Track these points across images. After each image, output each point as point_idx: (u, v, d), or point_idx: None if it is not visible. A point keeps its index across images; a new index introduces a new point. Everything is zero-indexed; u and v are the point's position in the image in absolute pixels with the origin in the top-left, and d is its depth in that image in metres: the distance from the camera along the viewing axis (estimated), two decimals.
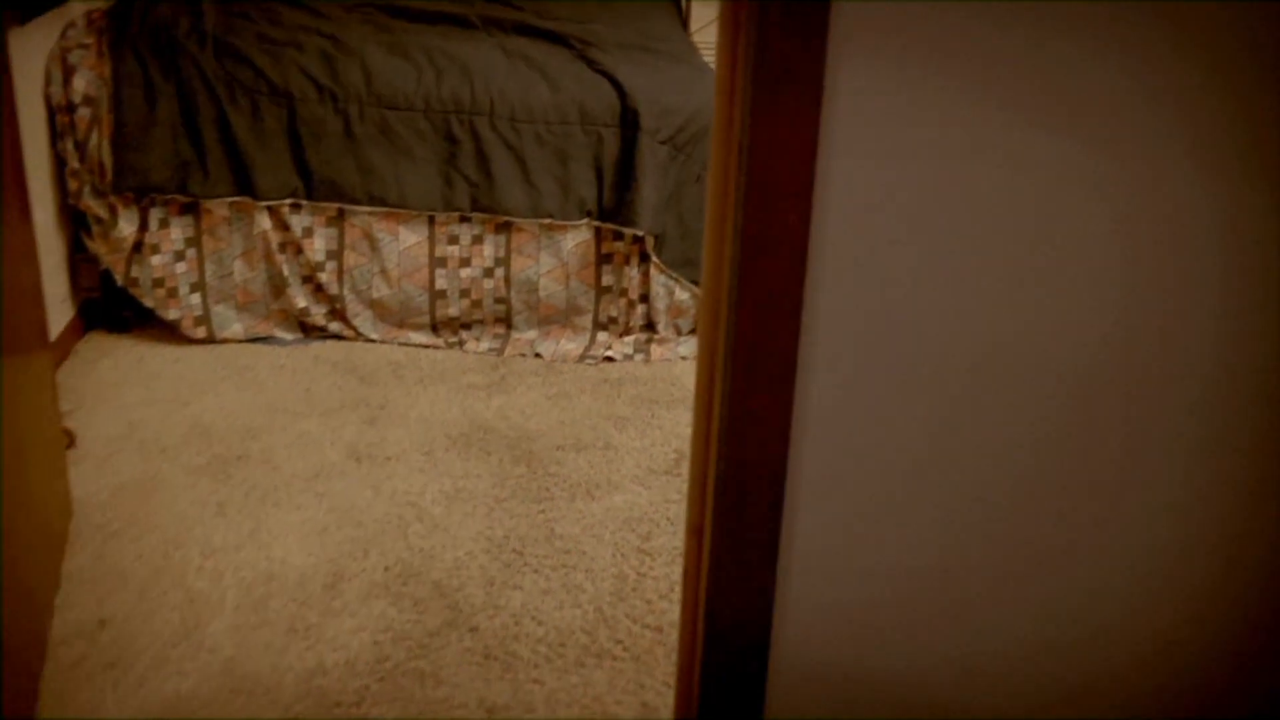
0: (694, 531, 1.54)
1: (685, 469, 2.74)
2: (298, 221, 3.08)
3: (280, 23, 3.29)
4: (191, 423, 2.80)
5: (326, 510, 2.51)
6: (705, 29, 4.79)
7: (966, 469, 1.42)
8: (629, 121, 3.03)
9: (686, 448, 2.81)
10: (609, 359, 3.19)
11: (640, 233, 3.06)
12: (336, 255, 3.12)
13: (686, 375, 3.13)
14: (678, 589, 2.35)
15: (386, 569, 2.33)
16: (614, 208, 3.08)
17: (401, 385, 3.03)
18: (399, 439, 2.79)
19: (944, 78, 1.26)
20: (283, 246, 3.11)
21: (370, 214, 3.08)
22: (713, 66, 3.39)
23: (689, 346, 3.23)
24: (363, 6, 3.52)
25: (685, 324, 3.25)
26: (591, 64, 3.14)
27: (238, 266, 3.11)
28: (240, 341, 3.18)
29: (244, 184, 3.01)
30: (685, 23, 4.61)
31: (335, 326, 3.20)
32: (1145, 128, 1.28)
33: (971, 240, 1.32)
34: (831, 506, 1.44)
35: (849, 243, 1.32)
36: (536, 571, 2.35)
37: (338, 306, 3.17)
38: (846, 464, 1.42)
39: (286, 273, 3.11)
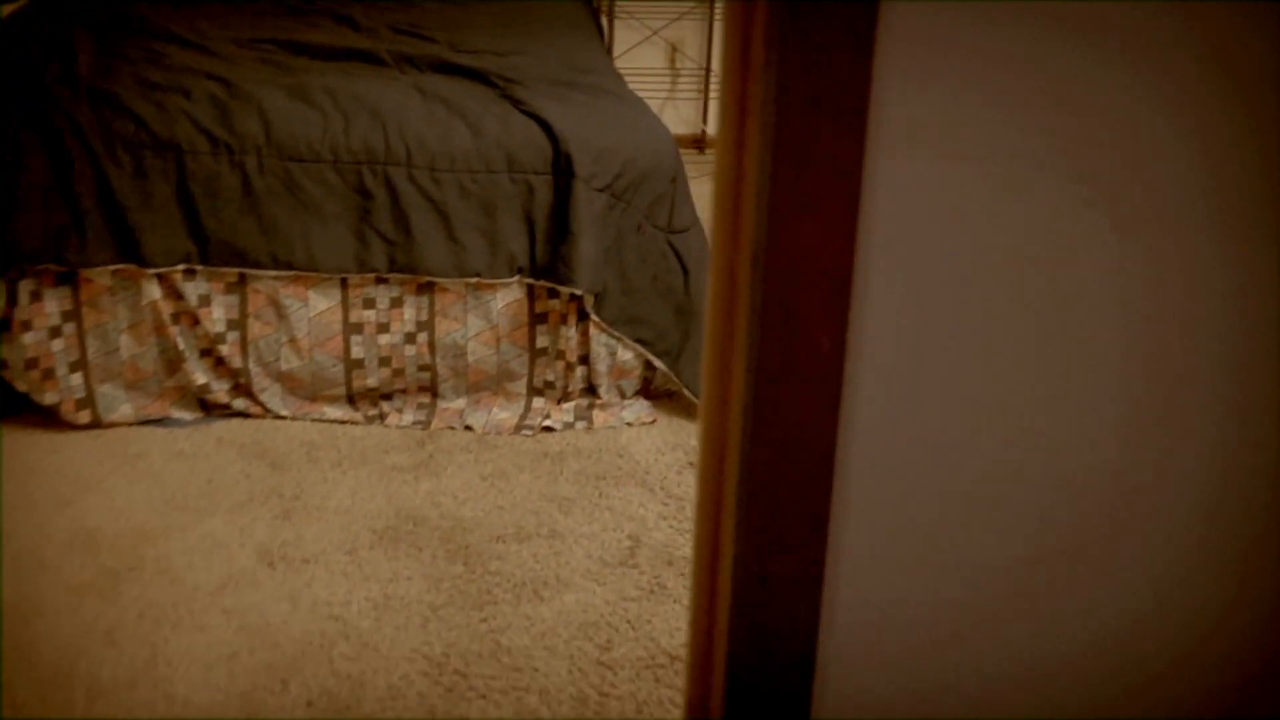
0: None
1: (641, 558, 2.45)
2: (192, 289, 2.74)
3: (165, 64, 2.95)
4: (75, 527, 2.45)
5: (236, 629, 2.18)
6: (630, 54, 4.53)
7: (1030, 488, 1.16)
8: (562, 168, 2.74)
9: (641, 533, 2.52)
10: (548, 429, 2.89)
11: (579, 292, 2.77)
12: (238, 325, 2.78)
13: (634, 444, 2.84)
14: (646, 710, 2.06)
15: (310, 703, 2.01)
16: (548, 263, 2.78)
17: (317, 470, 2.70)
18: (317, 536, 2.46)
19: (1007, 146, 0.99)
20: (176, 317, 2.76)
21: (275, 278, 2.75)
22: (641, 99, 3.12)
23: (634, 411, 2.95)
24: (259, 43, 3.19)
25: (629, 386, 2.96)
26: (517, 104, 2.84)
27: (125, 341, 2.75)
28: (131, 425, 2.82)
29: (128, 250, 2.66)
30: (609, 49, 4.34)
31: (240, 403, 2.85)
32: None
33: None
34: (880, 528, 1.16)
35: (898, 374, 1.05)
36: (484, 697, 2.04)
37: (242, 381, 2.83)
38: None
39: (182, 346, 2.77)
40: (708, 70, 4.72)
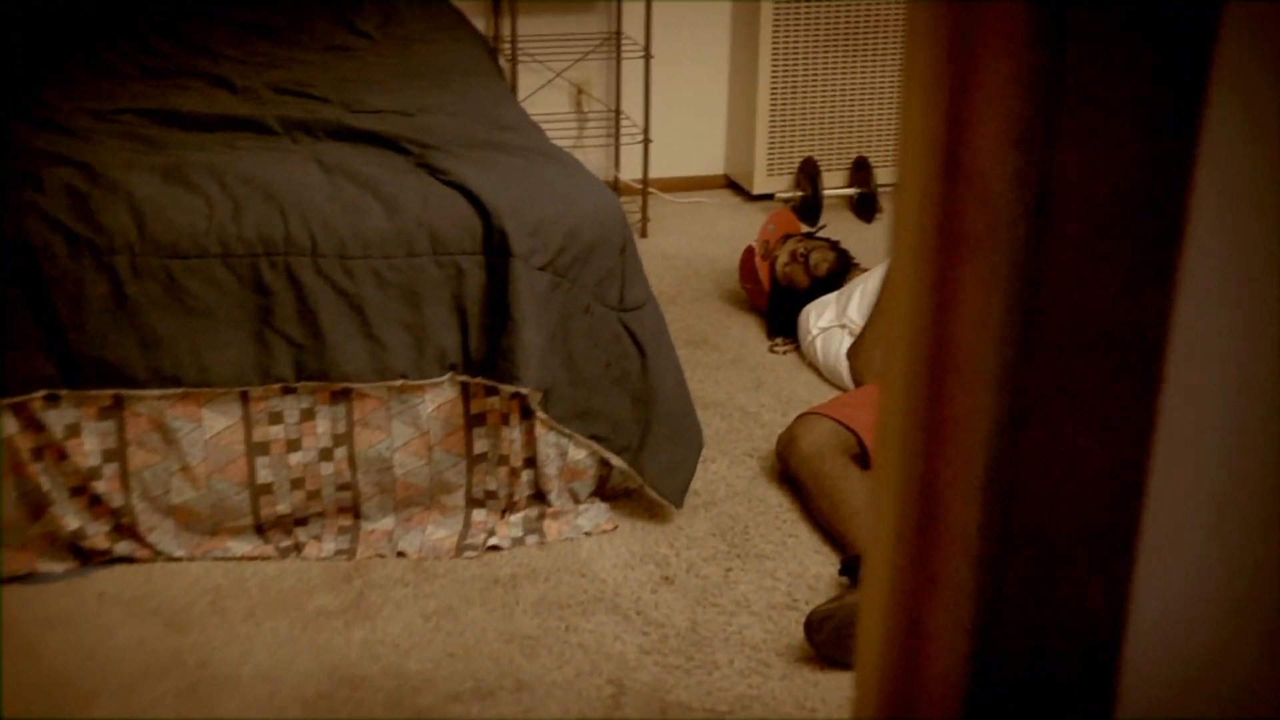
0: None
1: (628, 708, 2.06)
2: (56, 418, 2.27)
3: (7, 148, 2.47)
4: None
5: None
6: (533, 98, 4.15)
7: None
8: (495, 246, 2.35)
9: (623, 675, 2.13)
10: (494, 548, 2.49)
11: (524, 390, 2.37)
12: (116, 455, 2.32)
13: (596, 559, 2.45)
14: None
15: None
16: (486, 358, 2.38)
17: (226, 624, 2.25)
18: (234, 715, 2.02)
19: None
20: (38, 452, 2.29)
21: (160, 398, 2.30)
22: (576, 159, 2.74)
23: (591, 517, 2.56)
24: (120, 115, 2.72)
25: (583, 488, 2.58)
26: (437, 173, 2.44)
27: None
28: None
29: None
30: (514, 91, 3.95)
31: (123, 547, 2.39)
32: None
33: None
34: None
35: None
36: None
37: (124, 521, 2.37)
38: None
39: (47, 486, 2.29)
40: (617, 112, 4.36)
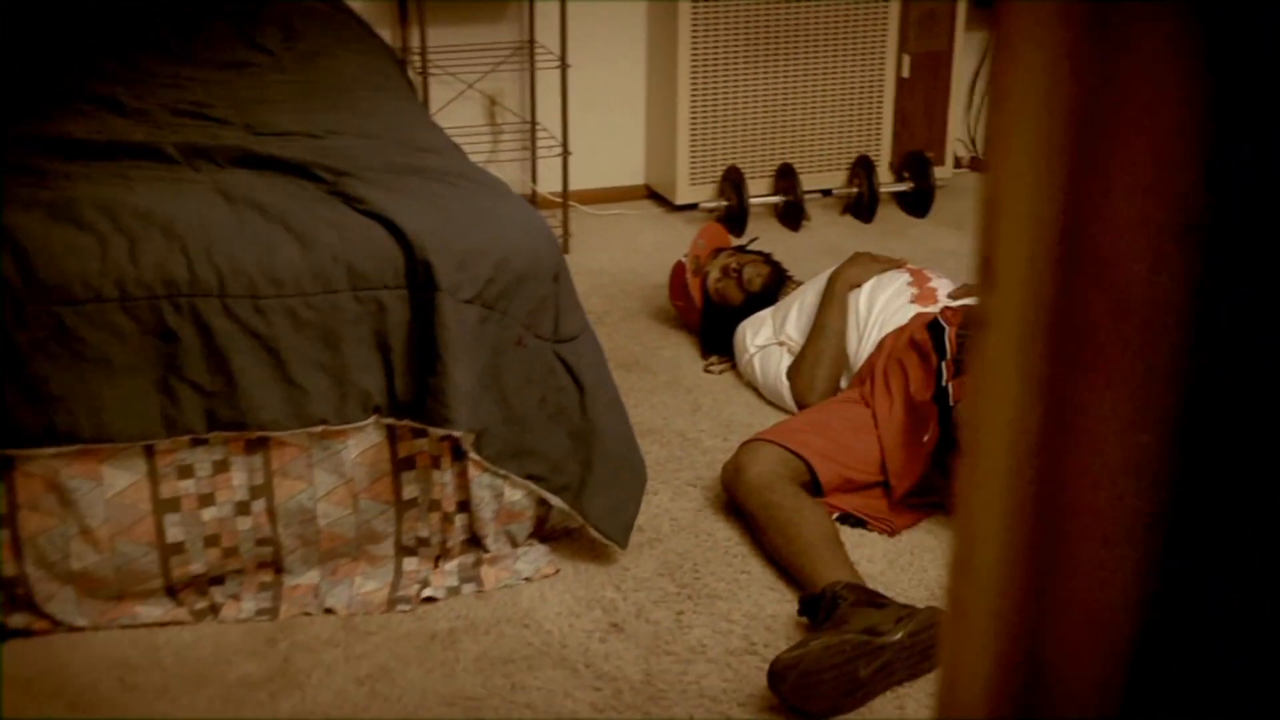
0: None
1: None
2: None
3: None
4: None
5: None
6: (445, 111, 3.98)
7: None
8: (419, 279, 2.19)
9: None
10: (429, 599, 2.32)
11: (456, 433, 2.21)
12: (7, 521, 2.12)
13: (538, 607, 2.30)
14: None
15: None
16: (413, 399, 2.22)
17: (139, 703, 2.05)
18: None
19: None
20: None
21: (54, 456, 2.10)
22: (503, 182, 2.59)
23: (531, 561, 2.41)
24: None
25: (521, 530, 2.42)
26: (353, 202, 2.27)
27: None
28: None
29: None
30: (425, 105, 3.78)
31: (19, 620, 2.18)
32: None
33: None
34: None
35: None
36: None
37: (19, 591, 2.16)
38: None
39: None
40: (533, 124, 4.20)
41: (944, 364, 2.51)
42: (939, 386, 2.46)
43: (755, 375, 3.10)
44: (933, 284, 2.95)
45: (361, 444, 2.26)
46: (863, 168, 4.37)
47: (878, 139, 4.49)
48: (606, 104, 4.39)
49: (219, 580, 2.29)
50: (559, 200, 4.17)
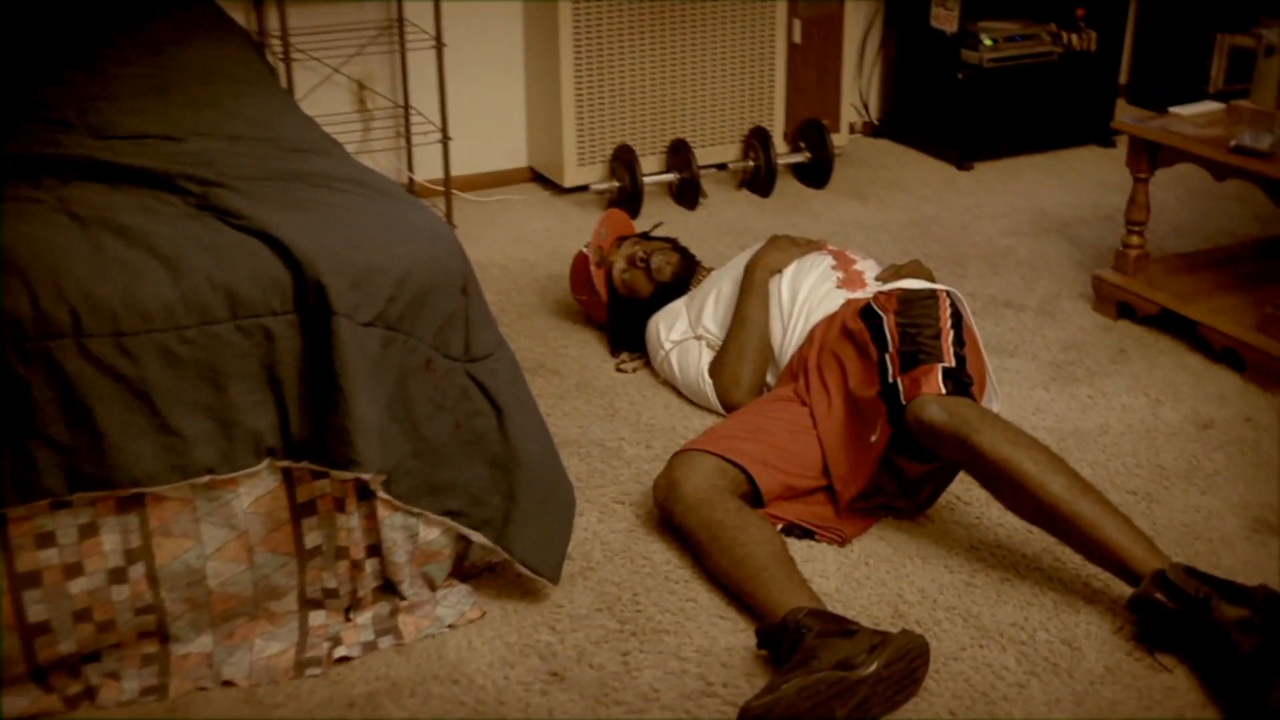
0: None
1: None
2: None
3: None
4: None
5: None
6: (310, 98, 3.65)
7: None
8: (311, 303, 1.91)
9: None
10: (342, 659, 2.06)
11: (365, 476, 1.95)
12: None
13: (467, 659, 2.05)
14: None
15: None
16: (311, 437, 1.95)
17: None
18: None
19: None
20: None
21: None
22: (398, 185, 2.32)
23: (453, 604, 2.17)
24: None
25: (439, 571, 2.17)
26: (227, 217, 1.98)
27: None
28: None
29: None
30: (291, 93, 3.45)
31: None
32: None
33: None
34: None
35: None
36: None
37: None
38: None
39: None
40: (406, 108, 3.90)
41: (887, 357, 2.33)
42: (886, 383, 2.28)
43: (673, 373, 2.89)
44: (858, 266, 2.77)
45: (254, 491, 1.98)
46: (758, 139, 4.19)
47: (771, 108, 4.30)
48: (483, 83, 4.11)
49: (94, 657, 1.99)
50: (439, 189, 3.89)
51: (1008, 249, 3.75)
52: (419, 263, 2.02)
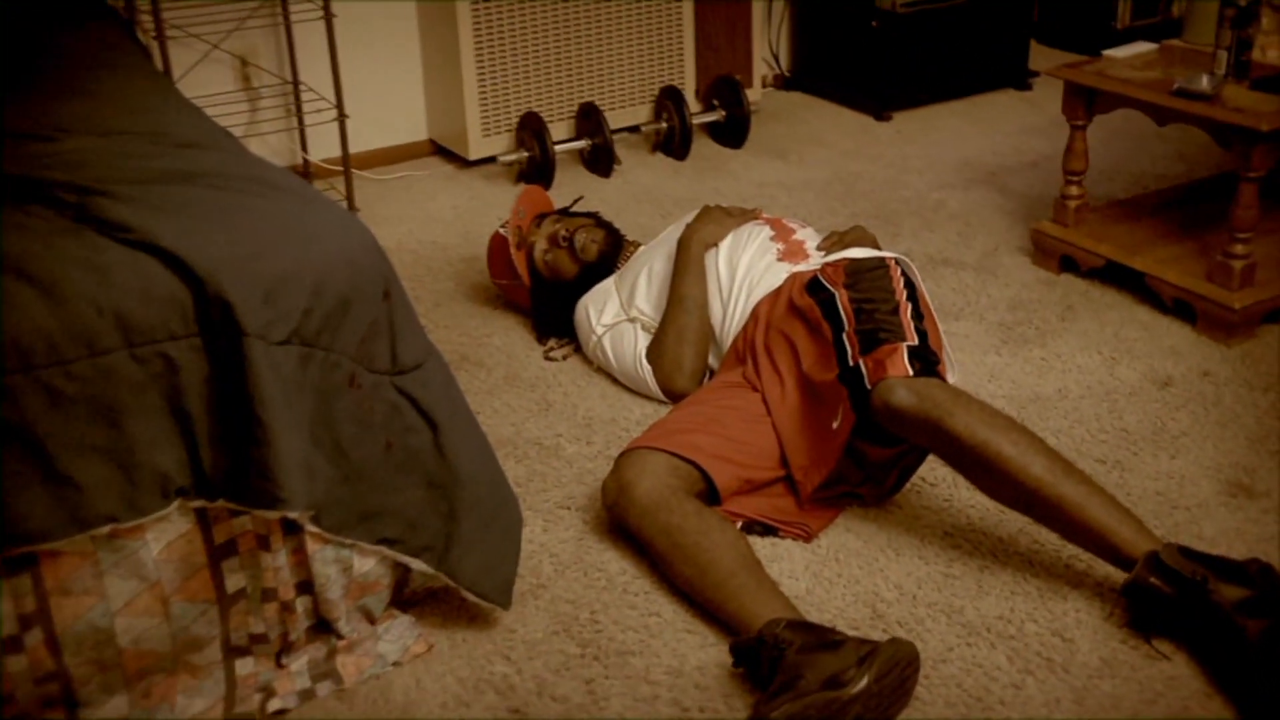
0: None
1: None
2: None
3: None
4: None
5: None
6: (188, 78, 3.37)
7: None
8: (216, 323, 1.69)
9: None
10: (278, 713, 1.86)
11: (292, 514, 1.74)
12: None
13: (417, 701, 1.87)
14: None
15: None
16: (227, 472, 1.74)
17: None
18: None
19: None
20: None
21: None
22: (303, 180, 2.09)
23: (395, 638, 1.98)
24: None
25: (377, 603, 1.98)
26: (111, 230, 1.73)
27: None
28: None
29: None
30: (168, 75, 3.17)
31: None
32: None
33: None
34: None
35: None
36: None
37: None
38: None
39: None
40: (296, 84, 3.63)
41: (845, 337, 2.17)
42: (846, 366, 2.13)
43: (607, 359, 2.71)
44: (798, 236, 2.61)
45: (165, 537, 1.76)
46: (670, 99, 4.00)
47: (681, 66, 4.11)
48: (375, 52, 3.86)
49: None
50: (337, 169, 3.64)
51: (938, 203, 3.63)
52: (335, 267, 1.80)
